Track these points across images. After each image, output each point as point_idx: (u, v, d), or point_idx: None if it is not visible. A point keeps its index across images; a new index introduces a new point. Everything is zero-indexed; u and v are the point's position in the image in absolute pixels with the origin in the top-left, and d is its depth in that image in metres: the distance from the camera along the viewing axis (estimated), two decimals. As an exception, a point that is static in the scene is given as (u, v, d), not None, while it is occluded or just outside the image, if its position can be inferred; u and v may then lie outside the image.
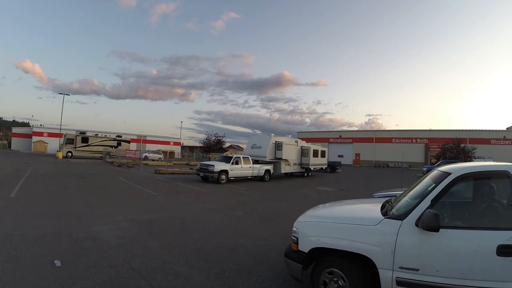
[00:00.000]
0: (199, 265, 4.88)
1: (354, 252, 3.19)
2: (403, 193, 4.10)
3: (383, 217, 3.30)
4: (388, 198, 4.49)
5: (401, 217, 3.13)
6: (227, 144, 67.68)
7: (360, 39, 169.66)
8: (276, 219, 8.74)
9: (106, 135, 48.26)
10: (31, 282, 4.04)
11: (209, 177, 18.05)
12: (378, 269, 3.04)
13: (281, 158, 22.12)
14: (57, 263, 4.69)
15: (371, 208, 4.05)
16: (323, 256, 3.55)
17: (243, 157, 19.93)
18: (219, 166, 18.10)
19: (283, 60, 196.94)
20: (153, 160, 41.24)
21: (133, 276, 4.32)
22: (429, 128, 58.22)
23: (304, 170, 25.69)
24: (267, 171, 21.06)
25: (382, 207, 3.77)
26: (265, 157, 21.31)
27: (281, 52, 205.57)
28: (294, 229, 3.88)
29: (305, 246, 3.62)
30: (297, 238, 3.75)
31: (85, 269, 4.54)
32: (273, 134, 23.48)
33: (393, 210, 3.41)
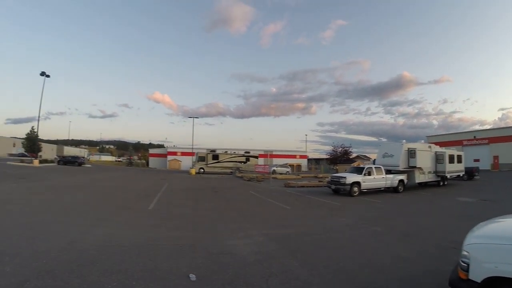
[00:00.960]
0: (344, 288, 4.83)
1: None
2: None
3: None
4: None
5: None
6: (353, 155, 69.64)
7: (481, 26, 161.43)
8: (419, 236, 8.60)
9: (235, 152, 55.45)
10: (167, 295, 4.25)
11: (340, 190, 18.94)
12: None
13: (415, 167, 22.26)
14: (192, 277, 4.90)
15: None
16: None
17: (375, 167, 20.65)
18: (351, 177, 18.84)
19: (401, 60, 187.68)
20: (280, 173, 44.63)
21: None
22: None
23: (439, 179, 25.29)
24: (401, 181, 21.41)
25: None
26: (398, 166, 21.70)
27: (397, 52, 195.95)
28: (465, 253, 3.57)
29: (478, 274, 3.35)
30: (468, 265, 3.46)
31: (220, 286, 4.63)
32: (404, 141, 24.11)
33: None
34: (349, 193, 18.35)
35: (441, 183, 25.45)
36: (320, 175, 39.99)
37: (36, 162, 42.05)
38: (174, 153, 74.11)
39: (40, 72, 42.50)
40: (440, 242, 7.61)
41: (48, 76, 43.07)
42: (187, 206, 13.50)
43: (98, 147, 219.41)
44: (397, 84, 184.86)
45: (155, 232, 8.19)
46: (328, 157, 65.34)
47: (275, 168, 45.72)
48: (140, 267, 5.28)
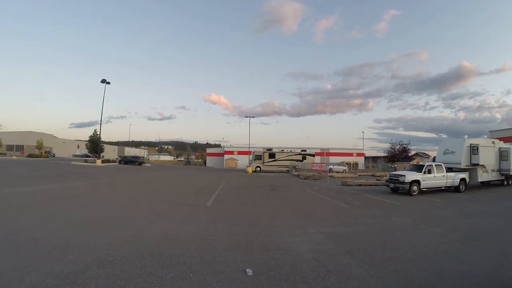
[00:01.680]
0: (402, 290, 4.73)
1: None
2: None
3: None
4: None
5: None
6: (412, 152, 67.27)
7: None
8: (483, 240, 8.19)
9: (291, 150, 56.64)
10: None
11: (399, 188, 18.74)
12: None
13: (477, 164, 21.47)
14: (249, 272, 4.93)
15: None
16: None
17: (435, 164, 20.02)
18: (410, 176, 18.60)
19: (460, 49, 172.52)
20: (337, 172, 45.03)
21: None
22: None
23: (503, 178, 24.18)
24: (463, 180, 20.73)
25: None
26: (460, 164, 21.10)
27: (455, 40, 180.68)
28: None
29: None
30: None
31: (276, 281, 4.63)
32: (466, 136, 23.13)
33: None
34: (408, 192, 18.17)
35: (505, 183, 24.37)
36: (378, 174, 40.02)
37: (98, 162, 45.27)
38: (231, 152, 77.01)
39: (101, 80, 45.73)
40: (507, 248, 7.10)
41: (108, 83, 46.22)
42: (245, 203, 13.71)
43: (157, 148, 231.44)
44: (457, 75, 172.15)
45: (213, 227, 8.35)
46: (385, 155, 63.92)
47: (331, 167, 46.00)
48: (197, 260, 5.40)
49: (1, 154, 73.69)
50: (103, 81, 45.70)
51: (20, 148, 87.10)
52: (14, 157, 56.89)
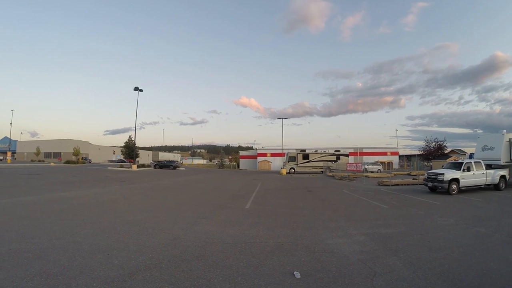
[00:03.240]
0: (450, 292, 4.67)
1: None
2: None
3: None
4: None
5: None
6: (447, 149, 64.51)
7: None
8: None
9: (325, 151, 56.96)
10: (270, 291, 4.24)
11: (438, 188, 18.56)
12: None
13: None
14: (297, 274, 4.89)
15: None
16: None
17: (474, 161, 19.61)
18: (449, 174, 18.39)
19: (492, 39, 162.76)
20: (372, 172, 44.72)
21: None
22: None
23: None
24: (502, 177, 20.31)
25: None
26: (499, 160, 20.73)
27: (487, 30, 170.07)
28: None
29: None
30: None
31: (325, 284, 4.61)
32: (504, 131, 22.36)
33: None
34: (447, 191, 18.01)
35: None
36: (414, 173, 39.37)
37: (134, 167, 46.71)
38: (264, 155, 77.53)
39: (134, 87, 47.15)
40: None
41: (141, 90, 47.71)
42: (283, 205, 13.63)
43: (190, 152, 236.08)
44: (490, 66, 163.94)
45: (254, 230, 8.36)
46: (420, 153, 61.97)
47: (366, 167, 45.39)
48: (244, 263, 5.39)
49: (39, 161, 77.97)
50: (136, 88, 47.20)
51: (57, 155, 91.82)
52: (52, 164, 59.89)
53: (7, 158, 64.11)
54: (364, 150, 75.08)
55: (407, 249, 6.72)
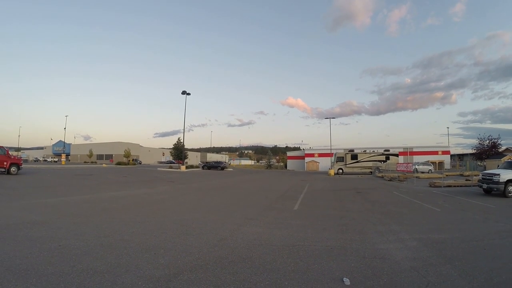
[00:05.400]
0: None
1: None
2: None
3: None
4: None
5: None
6: (502, 148, 59.73)
7: None
8: None
9: (373, 151, 55.42)
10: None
11: (493, 189, 17.70)
12: None
13: None
14: (346, 281, 4.70)
15: None
16: None
17: None
18: (505, 175, 17.35)
19: None
20: (422, 172, 43.35)
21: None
22: None
23: None
24: None
25: None
26: None
27: None
28: None
29: None
30: None
31: None
32: None
33: None
34: (503, 193, 17.04)
35: None
36: (467, 173, 37.20)
37: (183, 168, 47.98)
38: (312, 155, 77.34)
39: (182, 91, 48.59)
40: None
41: (188, 94, 49.09)
42: (332, 207, 13.38)
43: (237, 153, 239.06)
44: None
45: (303, 232, 8.21)
46: (473, 151, 57.94)
47: (416, 167, 43.44)
48: (291, 267, 5.27)
49: (92, 162, 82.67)
50: (184, 92, 48.61)
51: (109, 157, 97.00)
52: (104, 165, 63.15)
53: (62, 160, 68.01)
54: (414, 150, 72.44)
55: (462, 256, 6.39)
